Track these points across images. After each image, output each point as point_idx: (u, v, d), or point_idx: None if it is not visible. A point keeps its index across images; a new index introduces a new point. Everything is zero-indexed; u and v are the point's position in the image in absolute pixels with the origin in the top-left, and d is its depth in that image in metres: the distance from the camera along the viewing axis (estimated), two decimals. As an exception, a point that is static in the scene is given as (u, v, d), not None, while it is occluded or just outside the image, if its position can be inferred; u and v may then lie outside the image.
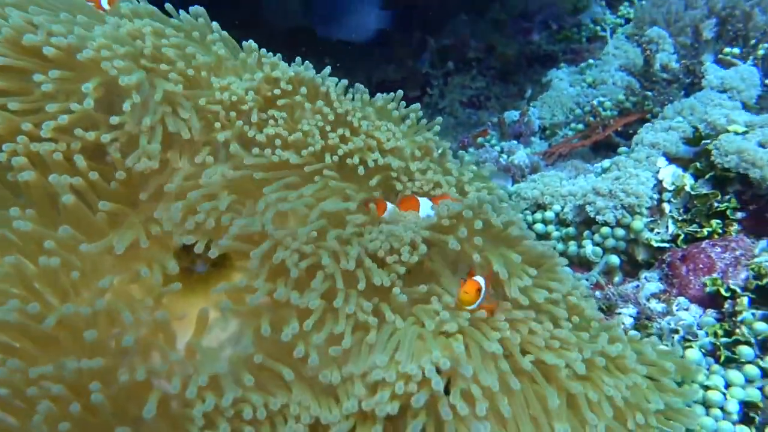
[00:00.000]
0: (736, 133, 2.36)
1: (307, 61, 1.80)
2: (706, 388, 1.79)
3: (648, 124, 2.79)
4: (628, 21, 4.35)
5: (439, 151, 1.88)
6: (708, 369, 1.85)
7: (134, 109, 1.47)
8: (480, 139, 3.60)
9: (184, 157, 1.58)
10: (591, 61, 4.00)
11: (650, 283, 2.25)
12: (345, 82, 1.79)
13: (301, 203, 1.50)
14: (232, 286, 1.42)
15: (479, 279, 1.39)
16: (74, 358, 1.17)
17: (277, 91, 1.67)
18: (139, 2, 1.73)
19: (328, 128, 1.67)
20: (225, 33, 1.78)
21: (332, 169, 1.63)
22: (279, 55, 1.81)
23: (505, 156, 3.15)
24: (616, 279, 2.40)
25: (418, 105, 1.90)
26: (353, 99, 1.80)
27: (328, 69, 1.78)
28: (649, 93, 3.21)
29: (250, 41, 1.81)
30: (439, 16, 4.64)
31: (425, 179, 1.75)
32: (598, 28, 4.38)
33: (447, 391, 1.29)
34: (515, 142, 3.47)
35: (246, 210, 1.52)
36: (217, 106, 1.61)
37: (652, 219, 2.43)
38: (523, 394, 1.35)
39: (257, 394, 1.30)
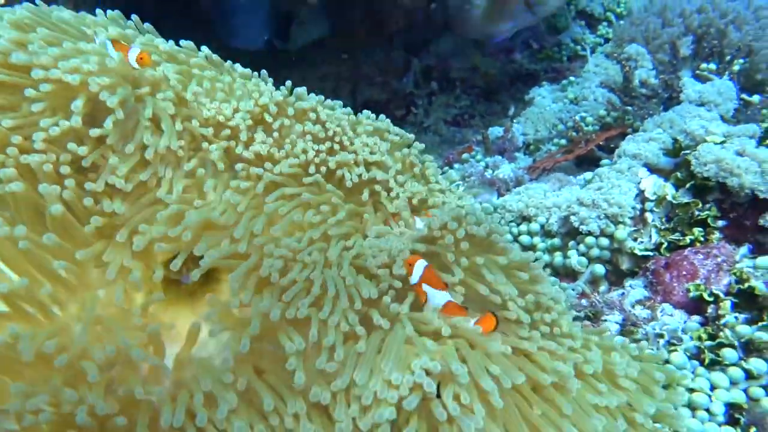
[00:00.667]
0: (715, 143, 2.43)
1: (302, 88, 1.87)
2: (692, 390, 1.81)
3: (629, 136, 2.86)
4: (607, 41, 4.47)
5: (422, 165, 1.93)
6: (693, 372, 1.87)
7: (117, 125, 1.49)
8: (465, 155, 3.65)
9: (171, 170, 1.60)
10: (572, 78, 4.09)
11: (635, 290, 2.28)
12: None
13: (289, 216, 1.52)
14: (217, 300, 1.42)
15: (421, 261, 1.40)
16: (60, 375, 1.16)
17: (267, 117, 1.72)
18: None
19: (317, 147, 1.72)
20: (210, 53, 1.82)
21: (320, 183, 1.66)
22: (264, 72, 1.86)
23: (490, 171, 3.19)
24: (602, 288, 2.43)
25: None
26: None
27: (303, 89, 1.85)
28: (630, 108, 3.29)
29: (228, 62, 1.86)
30: (422, 37, 4.72)
31: (408, 190, 1.78)
32: (579, 47, 4.49)
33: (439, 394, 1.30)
34: (500, 157, 3.52)
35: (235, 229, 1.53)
36: (207, 128, 1.64)
37: (636, 228, 2.47)
38: (517, 396, 1.36)
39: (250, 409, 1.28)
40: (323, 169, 1.71)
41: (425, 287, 1.39)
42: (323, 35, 4.66)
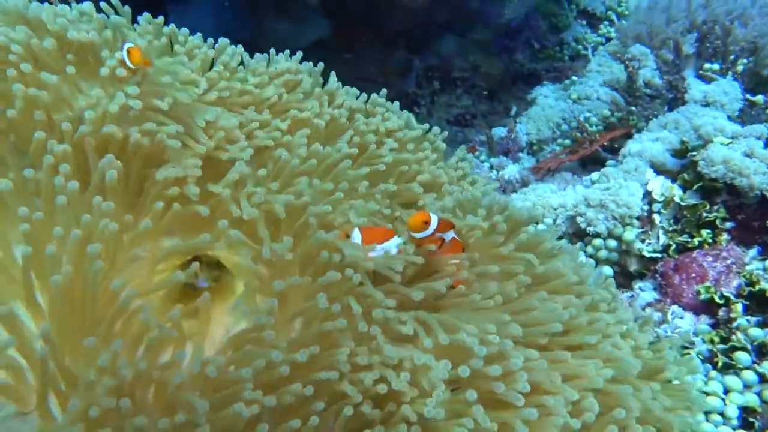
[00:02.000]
0: (722, 144, 2.42)
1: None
2: (705, 394, 1.80)
3: (635, 136, 2.85)
4: (608, 39, 4.47)
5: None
6: (706, 375, 1.86)
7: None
8: (469, 156, 3.63)
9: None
10: (575, 78, 4.08)
11: (644, 292, 2.27)
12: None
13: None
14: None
15: (432, 215, 1.36)
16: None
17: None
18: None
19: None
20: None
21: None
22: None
23: (495, 171, 3.18)
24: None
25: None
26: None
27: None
28: (634, 108, 3.28)
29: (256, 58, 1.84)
30: (423, 36, 4.70)
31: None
32: (580, 46, 4.48)
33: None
34: (504, 157, 3.51)
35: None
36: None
37: (643, 230, 2.47)
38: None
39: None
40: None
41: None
42: (323, 36, 4.64)
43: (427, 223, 1.32)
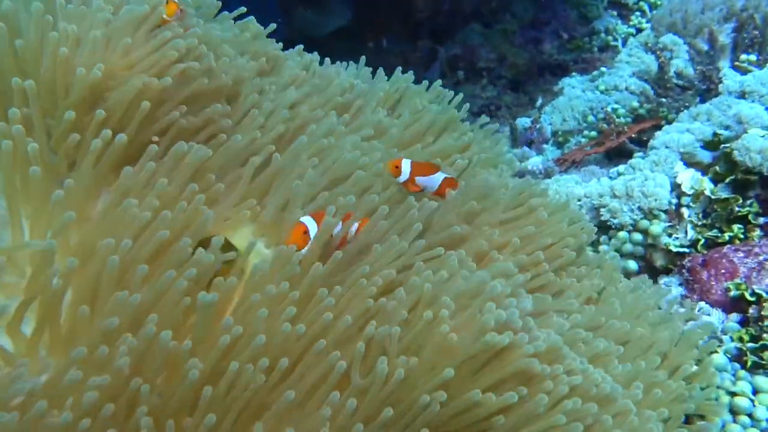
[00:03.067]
0: (759, 136, 2.31)
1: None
2: (733, 394, 1.72)
3: (665, 128, 2.75)
4: (639, 31, 4.33)
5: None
6: (734, 375, 1.77)
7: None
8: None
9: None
10: (603, 69, 3.96)
11: (670, 288, 2.18)
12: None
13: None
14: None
15: (405, 160, 1.43)
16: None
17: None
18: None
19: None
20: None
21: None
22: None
23: (518, 162, 3.10)
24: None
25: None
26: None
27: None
28: (664, 100, 3.16)
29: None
30: (448, 26, 4.63)
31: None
32: (610, 37, 4.35)
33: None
34: (528, 148, 3.42)
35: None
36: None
37: (671, 224, 2.38)
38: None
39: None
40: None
41: (418, 180, 1.42)
42: (346, 24, 4.60)
43: (397, 167, 1.39)
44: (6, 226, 1.24)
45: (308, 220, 1.29)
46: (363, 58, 2.09)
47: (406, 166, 1.40)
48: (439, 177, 1.45)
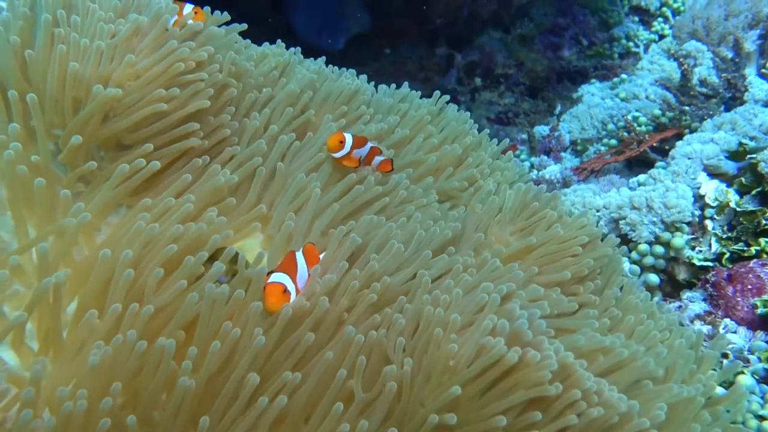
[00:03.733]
0: (786, 146, 2.23)
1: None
2: (761, 418, 1.64)
3: (687, 137, 2.67)
4: (661, 37, 4.24)
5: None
6: (762, 397, 1.70)
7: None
8: (509, 154, 3.49)
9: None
10: (624, 76, 3.89)
11: (693, 303, 2.11)
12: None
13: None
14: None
15: (347, 134, 1.48)
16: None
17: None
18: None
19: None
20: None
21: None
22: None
23: (535, 171, 3.04)
24: (656, 299, 2.26)
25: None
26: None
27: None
28: (687, 108, 3.08)
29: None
30: (466, 31, 4.58)
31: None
32: (631, 44, 4.27)
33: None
34: (546, 157, 3.36)
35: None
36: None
37: (693, 236, 2.30)
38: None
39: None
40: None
41: (355, 152, 1.48)
42: (363, 30, 4.57)
43: (342, 142, 1.44)
44: (12, 237, 1.23)
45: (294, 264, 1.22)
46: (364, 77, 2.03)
47: (348, 139, 1.46)
48: (368, 147, 1.51)
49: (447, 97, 1.94)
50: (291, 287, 1.18)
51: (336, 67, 1.95)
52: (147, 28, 1.34)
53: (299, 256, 1.22)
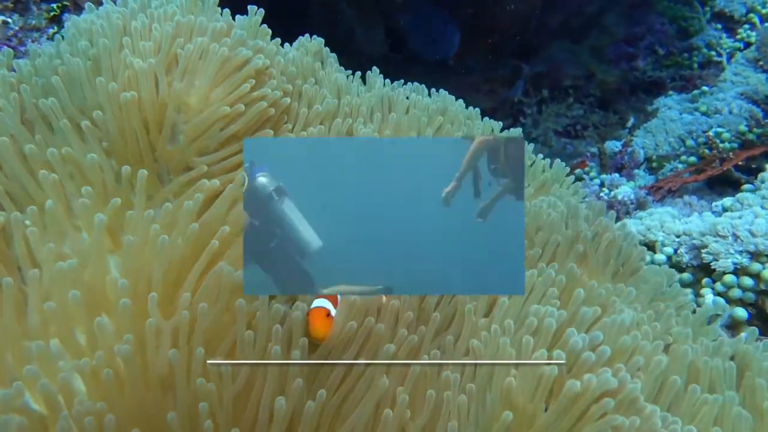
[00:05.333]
0: None
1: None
2: None
3: (779, 157, 2.46)
4: (748, 45, 3.96)
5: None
6: None
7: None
8: (578, 171, 3.34)
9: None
10: (705, 88, 3.65)
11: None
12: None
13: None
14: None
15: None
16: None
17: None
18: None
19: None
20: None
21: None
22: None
23: (606, 190, 2.88)
24: (743, 335, 2.08)
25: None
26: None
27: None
28: (777, 123, 2.86)
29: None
30: (533, 42, 4.45)
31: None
32: (713, 53, 4.01)
33: None
34: (617, 175, 3.19)
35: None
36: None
37: (787, 268, 2.10)
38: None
39: None
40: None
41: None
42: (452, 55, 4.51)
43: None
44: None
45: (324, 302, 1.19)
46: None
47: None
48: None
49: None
50: (333, 312, 1.18)
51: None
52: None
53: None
